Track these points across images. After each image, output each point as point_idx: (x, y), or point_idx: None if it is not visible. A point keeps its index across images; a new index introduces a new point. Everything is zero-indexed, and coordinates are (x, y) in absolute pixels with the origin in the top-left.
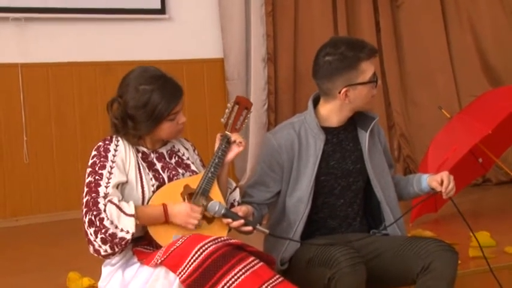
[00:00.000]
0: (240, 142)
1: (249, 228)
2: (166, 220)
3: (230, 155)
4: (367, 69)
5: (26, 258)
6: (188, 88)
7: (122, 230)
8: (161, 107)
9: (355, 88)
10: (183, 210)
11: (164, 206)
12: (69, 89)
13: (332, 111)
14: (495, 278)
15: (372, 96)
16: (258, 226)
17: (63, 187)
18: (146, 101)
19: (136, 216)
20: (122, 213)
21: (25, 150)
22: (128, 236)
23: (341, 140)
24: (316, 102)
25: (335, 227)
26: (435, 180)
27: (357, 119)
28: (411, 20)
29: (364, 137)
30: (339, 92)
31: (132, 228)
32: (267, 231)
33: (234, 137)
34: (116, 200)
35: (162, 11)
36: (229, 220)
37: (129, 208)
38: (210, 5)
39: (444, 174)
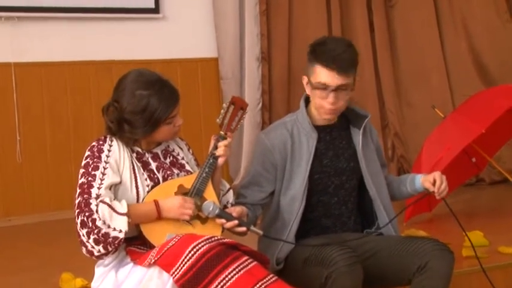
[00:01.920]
0: (220, 155)
1: (243, 229)
2: (159, 216)
3: (219, 161)
4: (320, 75)
5: (19, 257)
6: (182, 87)
7: (114, 230)
8: (159, 112)
9: (308, 83)
10: (176, 203)
11: (156, 202)
12: (62, 88)
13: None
14: (487, 278)
15: (320, 106)
16: (252, 227)
17: (56, 187)
18: (144, 107)
19: (128, 214)
20: (114, 213)
21: (18, 149)
22: (121, 235)
23: (334, 138)
24: (308, 102)
25: (329, 226)
26: (428, 180)
27: (350, 117)
28: (405, 19)
29: (358, 135)
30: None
31: (124, 227)
32: (261, 232)
33: (218, 152)
34: (107, 200)
35: (156, 10)
36: (223, 221)
37: (122, 207)
38: (204, 4)
39: (437, 174)
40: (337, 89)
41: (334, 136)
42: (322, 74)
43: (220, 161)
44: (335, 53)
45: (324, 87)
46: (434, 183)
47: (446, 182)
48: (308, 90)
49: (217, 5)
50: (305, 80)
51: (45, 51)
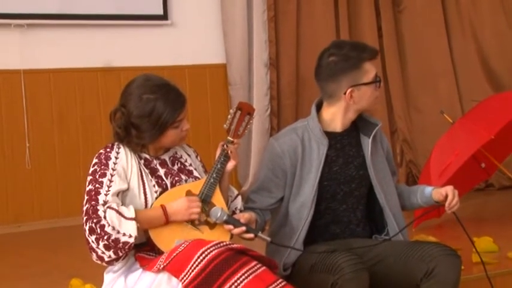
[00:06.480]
0: (232, 154)
1: (251, 235)
2: (166, 220)
3: (228, 166)
4: (370, 69)
5: (29, 264)
6: (190, 93)
7: (124, 235)
8: (166, 115)
9: (359, 89)
10: (181, 205)
11: (163, 206)
12: (71, 95)
13: (336, 115)
14: (490, 284)
15: (375, 98)
16: (259, 234)
17: (65, 193)
18: (151, 110)
19: (136, 219)
20: (122, 218)
21: (27, 156)
22: (131, 240)
23: (344, 146)
24: (319, 108)
25: (338, 233)
26: (439, 193)
27: (360, 125)
28: (413, 24)
29: (367, 143)
30: (344, 93)
31: (134, 232)
32: (268, 239)
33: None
34: (115, 206)
35: (164, 16)
36: (231, 227)
37: (129, 212)
38: (212, 11)
39: (449, 189)
40: None
41: (345, 143)
42: (372, 67)
43: (230, 165)
44: (367, 45)
45: (379, 78)
46: (445, 197)
47: (458, 197)
48: (357, 98)
49: (225, 11)
50: (348, 91)
51: (54, 58)
